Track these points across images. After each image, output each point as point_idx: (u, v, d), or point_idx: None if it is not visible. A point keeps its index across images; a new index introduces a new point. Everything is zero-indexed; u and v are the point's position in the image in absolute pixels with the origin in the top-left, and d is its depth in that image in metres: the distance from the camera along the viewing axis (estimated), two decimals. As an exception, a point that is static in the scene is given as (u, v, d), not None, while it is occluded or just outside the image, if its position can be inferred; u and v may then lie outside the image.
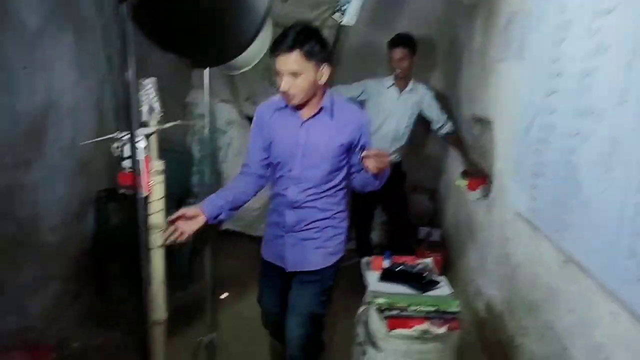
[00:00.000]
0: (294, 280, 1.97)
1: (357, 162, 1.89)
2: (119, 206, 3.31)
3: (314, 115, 1.86)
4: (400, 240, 3.45)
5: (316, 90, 1.83)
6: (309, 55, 1.73)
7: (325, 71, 1.81)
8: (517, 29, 2.52)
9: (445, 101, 3.75)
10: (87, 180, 3.07)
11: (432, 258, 2.33)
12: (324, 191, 1.90)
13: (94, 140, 1.46)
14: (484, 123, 3.08)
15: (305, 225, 1.91)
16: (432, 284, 2.03)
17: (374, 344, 1.96)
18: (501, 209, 2.66)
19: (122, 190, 1.51)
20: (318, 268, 1.93)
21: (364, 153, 1.73)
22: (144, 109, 1.55)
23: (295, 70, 1.73)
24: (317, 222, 1.92)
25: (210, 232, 2.34)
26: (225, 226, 3.97)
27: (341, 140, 1.86)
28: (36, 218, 2.60)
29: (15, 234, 2.44)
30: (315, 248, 1.93)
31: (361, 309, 2.12)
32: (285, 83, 1.76)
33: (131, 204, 3.27)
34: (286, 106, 1.87)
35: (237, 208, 1.93)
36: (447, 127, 3.39)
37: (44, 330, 2.72)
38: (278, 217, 1.96)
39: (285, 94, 1.79)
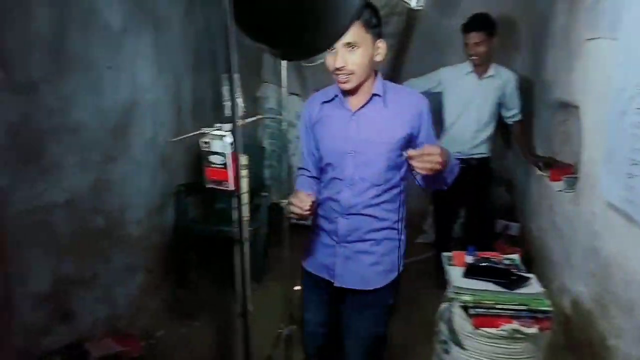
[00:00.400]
0: (348, 299, 1.74)
1: None
2: (197, 200, 3.43)
3: (364, 105, 1.63)
4: (478, 235, 3.29)
5: (370, 72, 1.61)
6: (367, 26, 1.52)
7: (381, 48, 1.59)
8: (608, 5, 2.33)
9: (529, 85, 3.54)
10: (167, 175, 3.19)
11: (518, 254, 2.22)
12: (381, 194, 1.65)
13: (185, 136, 1.48)
14: (568, 108, 2.88)
15: (360, 236, 1.67)
16: (521, 281, 1.92)
17: (457, 342, 1.89)
18: (590, 200, 2.49)
19: (209, 185, 1.53)
20: (374, 288, 1.69)
21: (407, 153, 1.47)
22: (228, 104, 1.55)
23: (353, 42, 1.51)
24: (374, 232, 1.68)
25: (284, 225, 2.36)
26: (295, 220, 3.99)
27: (399, 132, 1.61)
28: (122, 211, 2.73)
29: (104, 226, 2.57)
30: (371, 264, 1.69)
31: (443, 305, 2.06)
32: (340, 58, 1.54)
33: (209, 198, 3.39)
34: (334, 98, 1.67)
35: None
36: (518, 115, 3.16)
37: (130, 319, 2.86)
38: (329, 224, 1.72)
39: (340, 74, 1.57)
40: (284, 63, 1.95)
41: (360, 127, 1.62)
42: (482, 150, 3.14)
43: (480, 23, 2.95)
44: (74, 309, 2.35)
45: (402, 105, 1.63)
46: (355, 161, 1.62)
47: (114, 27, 2.56)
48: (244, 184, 1.55)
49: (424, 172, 1.47)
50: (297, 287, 2.28)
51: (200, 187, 3.50)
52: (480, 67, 3.05)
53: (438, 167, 1.44)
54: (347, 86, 1.59)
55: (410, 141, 1.63)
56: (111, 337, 2.24)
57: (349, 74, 1.57)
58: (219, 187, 1.53)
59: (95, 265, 2.50)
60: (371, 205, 1.64)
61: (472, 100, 3.07)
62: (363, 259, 1.68)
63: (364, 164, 1.62)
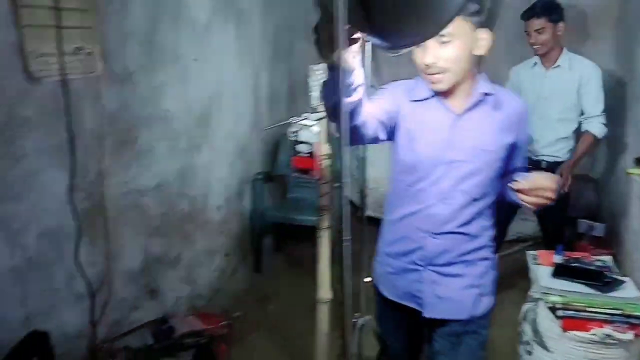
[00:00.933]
0: (438, 332, 1.50)
1: (512, 167, 1.46)
2: (272, 188, 3.51)
3: (473, 107, 1.37)
4: (555, 233, 3.04)
5: (469, 70, 1.33)
6: (465, 12, 1.24)
7: (484, 39, 1.30)
8: None
9: (618, 80, 3.29)
10: (245, 164, 3.29)
11: (611, 255, 2.09)
12: (479, 210, 1.41)
13: (275, 125, 1.52)
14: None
15: (451, 258, 1.42)
16: (615, 284, 1.82)
17: (542, 345, 1.82)
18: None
19: (294, 174, 1.57)
20: (470, 316, 1.45)
21: (516, 184, 1.33)
22: (314, 94, 1.58)
23: (446, 33, 1.24)
24: (467, 254, 1.43)
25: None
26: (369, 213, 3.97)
27: (508, 138, 1.38)
28: (204, 197, 2.85)
29: (188, 210, 2.70)
30: (464, 288, 1.44)
31: (527, 305, 1.98)
32: (430, 53, 1.28)
33: (282, 187, 3.45)
34: (431, 97, 1.39)
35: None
36: (596, 125, 2.64)
37: (209, 300, 2.99)
38: (410, 245, 1.44)
39: (428, 73, 1.32)
40: (368, 54, 1.93)
41: (467, 132, 1.36)
42: (554, 153, 2.74)
43: (541, 8, 2.62)
44: (160, 286, 2.50)
45: (509, 108, 1.40)
46: (457, 172, 1.36)
47: (200, 22, 2.66)
48: (328, 173, 1.58)
49: (533, 207, 1.37)
50: (368, 279, 2.26)
51: (275, 176, 3.60)
52: (546, 57, 2.70)
53: (548, 202, 1.33)
54: (439, 87, 1.34)
55: (512, 150, 1.42)
56: (193, 315, 2.35)
57: (441, 73, 1.31)
58: (304, 176, 1.57)
59: (179, 247, 2.63)
60: (467, 223, 1.40)
61: (539, 95, 2.73)
62: (454, 283, 1.44)
63: (468, 175, 1.36)
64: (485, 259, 1.47)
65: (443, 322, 1.47)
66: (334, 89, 1.05)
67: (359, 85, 1.15)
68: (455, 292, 1.44)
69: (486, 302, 1.48)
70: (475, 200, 1.39)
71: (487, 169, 1.37)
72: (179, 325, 2.12)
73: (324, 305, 1.64)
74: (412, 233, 1.43)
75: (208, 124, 2.82)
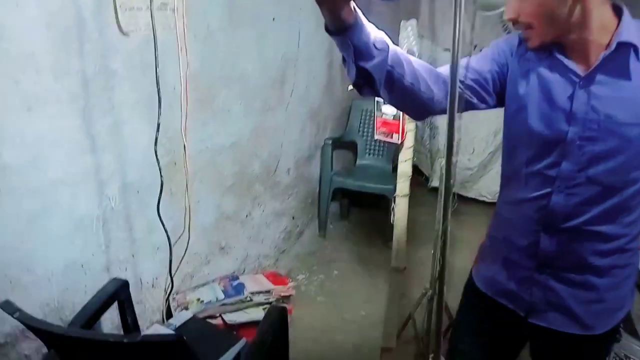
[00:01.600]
0: (542, 345, 1.24)
1: None
2: (341, 154, 3.48)
3: (604, 64, 1.00)
4: None
5: (589, 13, 0.98)
6: None
7: None
8: None
9: None
10: (315, 128, 3.27)
11: None
12: (619, 202, 1.06)
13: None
14: None
15: (575, 263, 1.12)
16: None
17: None
18: None
19: (377, 136, 1.52)
20: (595, 333, 1.16)
21: None
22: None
23: None
24: (598, 257, 1.10)
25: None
26: (434, 184, 3.86)
27: None
28: (275, 159, 2.86)
29: (259, 171, 2.72)
30: (588, 302, 1.14)
31: None
32: (509, 6, 1.04)
33: (352, 154, 3.39)
34: (544, 53, 1.06)
35: (384, 66, 0.97)
36: None
37: (275, 260, 3.05)
38: (521, 239, 1.16)
39: (516, 29, 1.08)
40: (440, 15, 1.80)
41: (596, 99, 1.01)
42: None
43: None
44: (230, 243, 2.56)
45: None
46: (584, 151, 1.04)
47: (281, -20, 2.61)
48: (410, 138, 1.51)
49: None
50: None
51: (344, 142, 3.55)
52: None
53: None
54: (531, 44, 1.07)
55: None
56: (262, 273, 2.39)
57: (528, 28, 1.05)
58: (386, 139, 1.51)
59: (249, 207, 2.67)
60: (600, 218, 1.07)
61: None
62: (577, 295, 1.14)
63: (598, 158, 1.03)
64: (621, 265, 1.13)
65: (550, 333, 1.17)
66: (347, 54, 0.93)
67: (378, 41, 0.95)
68: (576, 303, 1.14)
69: (616, 316, 1.17)
70: (613, 189, 1.05)
71: (627, 150, 1.01)
72: (249, 282, 2.17)
73: (398, 273, 1.60)
74: (523, 225, 1.14)
75: (282, 85, 2.80)
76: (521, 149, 1.12)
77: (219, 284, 2.16)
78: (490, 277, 1.25)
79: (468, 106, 1.10)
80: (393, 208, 1.58)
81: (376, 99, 1.45)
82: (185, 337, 1.05)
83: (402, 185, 1.55)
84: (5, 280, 1.42)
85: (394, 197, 1.58)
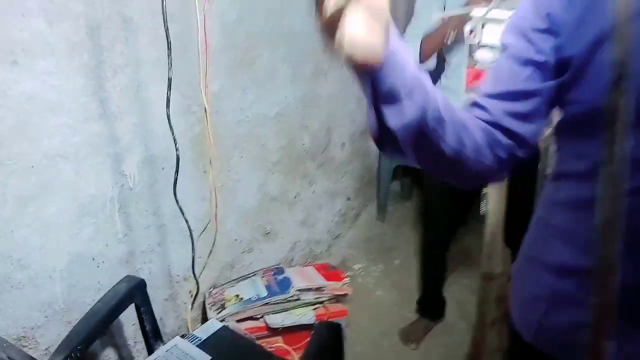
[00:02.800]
0: None
1: None
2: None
3: None
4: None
5: None
6: None
7: None
8: None
9: None
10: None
11: None
12: None
13: (453, 13, 1.05)
14: None
15: None
16: None
17: None
18: None
19: (468, 93, 1.11)
20: None
21: None
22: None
23: None
24: None
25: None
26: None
27: None
28: (328, 131, 2.49)
29: (309, 146, 2.36)
30: None
31: None
32: None
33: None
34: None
35: (426, 123, 0.62)
36: None
37: (328, 247, 2.70)
38: (586, 259, 0.71)
39: None
40: None
41: None
42: None
43: None
44: (276, 228, 2.22)
45: None
46: None
47: None
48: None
49: None
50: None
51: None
52: None
53: None
54: None
55: None
56: (313, 265, 2.04)
57: None
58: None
59: (298, 186, 2.32)
60: None
61: None
62: None
63: None
64: None
65: None
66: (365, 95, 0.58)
67: (415, 89, 0.59)
68: None
69: None
70: None
71: None
72: (297, 277, 1.82)
73: (490, 281, 1.20)
74: (588, 236, 0.67)
75: (336, 46, 2.40)
76: (583, 131, 0.71)
77: (261, 278, 1.83)
78: (536, 322, 0.81)
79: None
80: (484, 195, 1.16)
81: (465, 38, 1.03)
82: None
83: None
84: (-10, 279, 1.14)
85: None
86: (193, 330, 1.67)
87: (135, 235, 1.50)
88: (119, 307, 1.22)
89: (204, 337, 1.25)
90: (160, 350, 1.20)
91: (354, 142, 2.78)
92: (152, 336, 1.32)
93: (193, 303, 1.44)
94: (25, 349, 1.23)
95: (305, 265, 1.98)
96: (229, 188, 1.89)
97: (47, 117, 1.20)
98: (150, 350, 1.33)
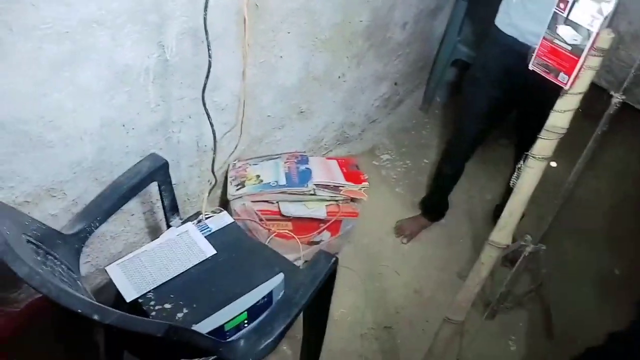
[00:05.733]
0: None
1: None
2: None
3: None
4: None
5: None
6: None
7: None
8: None
9: None
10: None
11: None
12: None
13: None
14: None
15: None
16: None
17: None
18: None
19: (532, 67, 0.97)
20: None
21: None
22: None
23: None
24: None
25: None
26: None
27: None
28: (390, 9, 2.27)
29: (367, 23, 2.17)
30: None
31: None
32: None
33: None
34: None
35: None
36: None
37: (362, 132, 2.66)
38: None
39: None
40: None
41: None
42: None
43: None
44: (312, 108, 2.18)
45: None
46: None
47: None
48: (585, 82, 0.95)
49: None
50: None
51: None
52: None
53: None
54: None
55: None
56: (337, 159, 2.03)
57: None
58: (546, 75, 0.96)
59: (344, 66, 2.21)
60: None
61: None
62: None
63: None
64: None
65: None
66: None
67: None
68: None
69: None
70: None
71: None
72: (318, 170, 1.84)
73: (494, 249, 1.19)
74: None
75: None
76: None
77: (284, 163, 1.86)
78: None
79: None
80: (520, 167, 1.10)
81: (555, 8, 0.88)
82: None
83: (546, 144, 1.04)
84: (22, 136, 1.19)
85: (525, 155, 1.08)
86: (211, 202, 1.78)
87: (167, 106, 1.50)
88: (140, 185, 1.28)
89: (214, 229, 1.33)
90: (172, 234, 1.29)
91: (418, 22, 2.55)
92: (169, 210, 1.41)
93: (212, 169, 1.47)
94: (53, 199, 1.34)
95: (329, 158, 1.98)
96: (270, 65, 1.81)
97: (83, -19, 1.12)
98: (167, 222, 1.44)
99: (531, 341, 1.92)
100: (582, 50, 0.87)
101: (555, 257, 2.07)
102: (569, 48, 0.88)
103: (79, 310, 0.75)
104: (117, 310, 0.78)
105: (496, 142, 2.59)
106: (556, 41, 0.90)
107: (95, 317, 0.75)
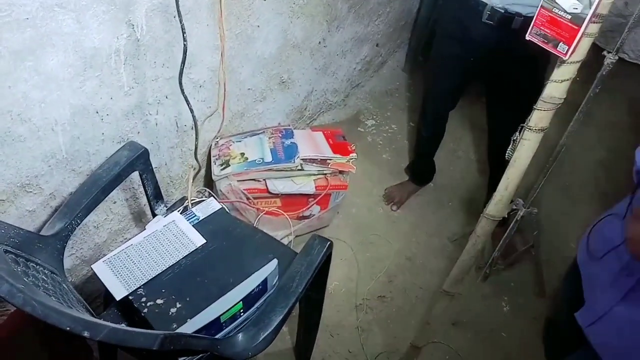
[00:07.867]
0: None
1: None
2: None
3: None
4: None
5: None
6: None
7: None
8: None
9: None
10: None
11: None
12: None
13: None
14: None
15: None
16: None
17: None
18: None
19: (529, 37, 0.92)
20: None
21: None
22: None
23: None
24: None
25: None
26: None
27: None
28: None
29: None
30: None
31: None
32: None
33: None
34: None
35: None
36: None
37: (345, 97, 2.60)
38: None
39: None
40: None
41: None
42: None
43: None
44: (293, 77, 2.11)
45: None
46: None
47: None
48: (583, 50, 0.91)
49: None
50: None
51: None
52: None
53: None
54: None
55: None
56: (322, 131, 1.98)
57: None
58: (544, 46, 0.92)
59: (323, 30, 2.12)
60: None
61: None
62: None
63: None
64: None
65: None
66: None
67: None
68: None
69: None
70: None
71: None
72: (304, 143, 1.79)
73: (490, 222, 1.17)
74: None
75: None
76: None
77: (269, 139, 1.79)
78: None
79: None
80: (516, 139, 1.06)
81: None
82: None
83: (542, 116, 1.00)
84: (-10, 134, 1.11)
85: (521, 127, 1.05)
86: (195, 182, 1.72)
87: (142, 87, 1.42)
88: (120, 176, 1.22)
89: (202, 217, 1.28)
90: (159, 225, 1.24)
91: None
92: (153, 198, 1.36)
93: (195, 154, 1.41)
94: (29, 194, 1.28)
95: (315, 130, 1.92)
96: (246, 35, 1.72)
97: (39, -40, 1.02)
98: (152, 210, 1.39)
99: (523, 300, 1.95)
100: (583, 19, 0.82)
101: (545, 217, 2.08)
102: (569, 17, 0.84)
103: (67, 328, 0.71)
104: (109, 324, 0.74)
105: (480, 100, 2.55)
106: (555, 10, 0.84)
107: (86, 334, 0.71)
